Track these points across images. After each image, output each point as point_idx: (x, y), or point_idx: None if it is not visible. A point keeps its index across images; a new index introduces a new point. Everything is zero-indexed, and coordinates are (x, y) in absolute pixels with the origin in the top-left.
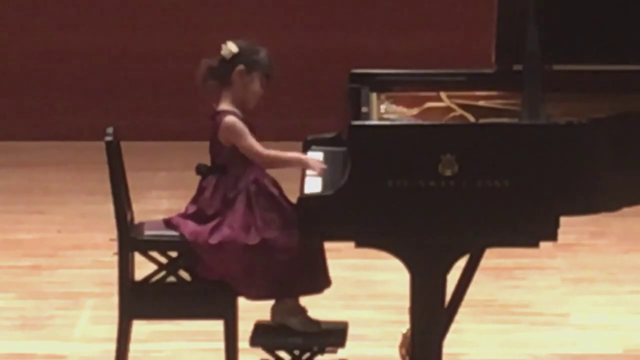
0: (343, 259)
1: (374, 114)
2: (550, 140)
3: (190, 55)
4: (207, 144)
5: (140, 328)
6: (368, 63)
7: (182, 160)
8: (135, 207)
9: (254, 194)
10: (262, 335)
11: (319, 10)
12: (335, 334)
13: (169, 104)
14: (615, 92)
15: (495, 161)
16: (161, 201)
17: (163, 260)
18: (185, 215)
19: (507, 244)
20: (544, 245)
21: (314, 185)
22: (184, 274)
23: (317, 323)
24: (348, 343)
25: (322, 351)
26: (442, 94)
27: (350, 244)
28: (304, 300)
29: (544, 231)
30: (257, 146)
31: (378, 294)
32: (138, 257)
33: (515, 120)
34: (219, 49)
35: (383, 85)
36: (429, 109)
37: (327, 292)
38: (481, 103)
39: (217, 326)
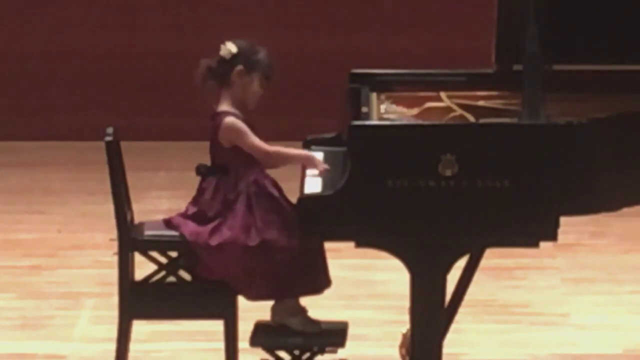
0: (343, 259)
1: (374, 114)
2: (550, 140)
3: (190, 55)
4: (207, 144)
5: (140, 328)
6: (368, 63)
7: (182, 160)
8: (135, 207)
9: (254, 194)
10: (262, 335)
11: (319, 10)
12: (335, 334)
13: (169, 104)
14: (615, 92)
15: (495, 161)
16: (161, 201)
17: (163, 260)
18: (185, 216)
19: (507, 244)
20: (544, 245)
21: (314, 185)
22: (184, 274)
23: (317, 323)
24: (348, 343)
25: (322, 351)
26: (442, 94)
27: (350, 244)
28: (304, 300)
29: (544, 231)
30: (261, 144)
31: (378, 294)
32: (138, 257)
33: (515, 120)
34: (219, 49)
35: (383, 85)
36: (429, 109)
37: (327, 292)
38: (481, 103)
39: (217, 326)
